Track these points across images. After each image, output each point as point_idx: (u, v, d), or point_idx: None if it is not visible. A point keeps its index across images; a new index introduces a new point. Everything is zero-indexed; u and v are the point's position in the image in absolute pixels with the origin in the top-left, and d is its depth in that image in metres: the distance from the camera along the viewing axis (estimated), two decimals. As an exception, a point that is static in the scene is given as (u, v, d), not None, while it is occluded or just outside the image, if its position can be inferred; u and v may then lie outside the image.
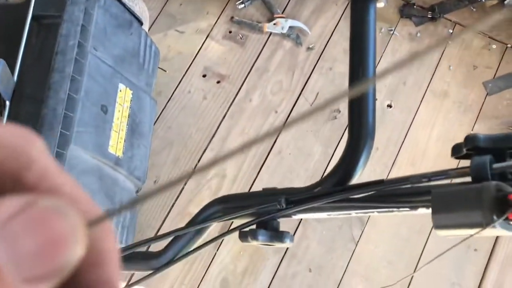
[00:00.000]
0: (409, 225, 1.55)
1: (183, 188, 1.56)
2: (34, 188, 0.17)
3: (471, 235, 0.41)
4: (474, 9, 1.77)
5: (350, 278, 1.50)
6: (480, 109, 1.68)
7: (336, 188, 0.55)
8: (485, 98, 1.70)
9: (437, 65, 1.73)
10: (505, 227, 0.40)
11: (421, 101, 1.69)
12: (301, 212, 0.58)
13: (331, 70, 1.70)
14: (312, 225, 1.54)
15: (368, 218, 1.55)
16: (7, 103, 1.04)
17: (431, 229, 1.51)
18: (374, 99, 0.57)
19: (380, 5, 0.64)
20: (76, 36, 1.04)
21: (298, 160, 1.60)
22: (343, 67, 1.69)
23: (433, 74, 1.71)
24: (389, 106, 1.68)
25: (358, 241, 1.54)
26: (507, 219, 0.39)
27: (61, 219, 0.16)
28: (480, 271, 1.53)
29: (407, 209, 0.50)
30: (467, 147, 0.46)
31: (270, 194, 0.61)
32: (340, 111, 1.65)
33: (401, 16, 1.76)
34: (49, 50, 1.07)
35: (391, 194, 0.51)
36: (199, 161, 1.59)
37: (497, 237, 1.56)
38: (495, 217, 0.39)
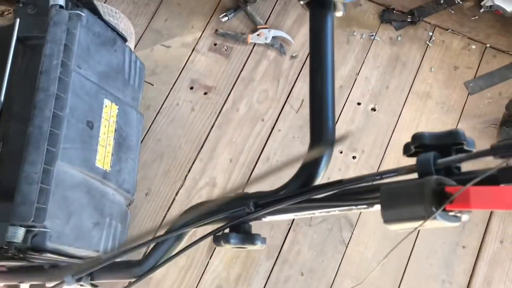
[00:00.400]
0: (398, 226, 1.58)
1: (174, 199, 1.59)
2: None
3: (416, 228, 0.44)
4: (453, 11, 1.81)
5: (342, 280, 1.53)
6: (463, 108, 1.72)
7: (299, 190, 0.58)
8: (467, 98, 1.73)
9: (419, 67, 1.76)
10: (445, 218, 0.43)
11: (404, 103, 1.72)
12: (269, 214, 0.60)
13: (315, 77, 1.73)
14: (303, 230, 1.57)
15: (357, 220, 1.58)
16: (-5, 123, 1.07)
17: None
18: (333, 106, 0.60)
19: (338, 14, 0.67)
20: (60, 55, 1.08)
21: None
22: (326, 73, 1.72)
23: (415, 77, 1.75)
24: (373, 109, 1.71)
25: (348, 243, 1.56)
26: (445, 210, 0.42)
27: None
28: (469, 268, 1.56)
29: (365, 206, 0.53)
30: (414, 145, 0.49)
31: (240, 198, 0.64)
32: (325, 117, 1.68)
33: (381, 21, 1.80)
34: (34, 70, 1.10)
35: (350, 193, 0.54)
36: (189, 171, 1.62)
37: (484, 234, 1.58)
38: (434, 209, 0.42)
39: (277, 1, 1.82)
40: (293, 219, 1.59)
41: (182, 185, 1.61)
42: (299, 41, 1.77)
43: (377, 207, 0.53)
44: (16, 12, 1.77)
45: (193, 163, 1.64)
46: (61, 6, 1.13)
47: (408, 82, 1.74)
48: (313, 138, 0.59)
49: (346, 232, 1.57)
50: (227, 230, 0.65)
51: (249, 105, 1.70)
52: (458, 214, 0.44)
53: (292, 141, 1.66)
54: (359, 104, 1.71)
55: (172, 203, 1.59)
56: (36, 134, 1.02)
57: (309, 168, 0.59)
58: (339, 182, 0.54)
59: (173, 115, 1.69)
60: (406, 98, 1.73)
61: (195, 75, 1.73)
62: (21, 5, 1.19)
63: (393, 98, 1.73)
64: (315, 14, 0.65)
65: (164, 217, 1.57)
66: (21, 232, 0.96)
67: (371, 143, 1.66)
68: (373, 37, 1.79)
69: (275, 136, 1.67)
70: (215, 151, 1.66)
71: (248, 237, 0.63)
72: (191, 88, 1.72)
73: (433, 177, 0.44)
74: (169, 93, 1.71)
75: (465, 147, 0.48)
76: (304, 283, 1.52)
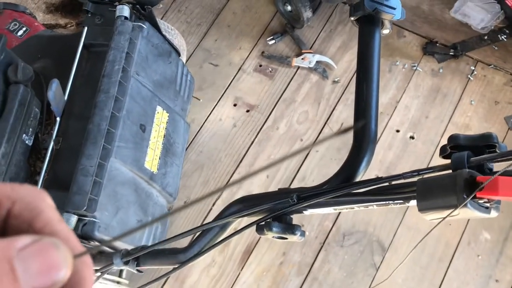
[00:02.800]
0: (430, 253, 1.58)
1: (211, 209, 1.65)
2: (40, 231, 0.25)
3: (448, 215, 0.48)
4: (496, 48, 1.83)
5: (370, 303, 1.53)
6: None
7: (340, 185, 0.63)
8: (506, 133, 1.74)
9: (459, 99, 1.79)
10: (476, 208, 0.47)
11: (443, 133, 1.74)
12: (310, 206, 0.65)
13: (355, 102, 1.78)
14: (334, 250, 1.59)
15: (390, 245, 1.59)
16: (58, 119, 1.17)
17: (452, 257, 1.54)
18: (377, 112, 0.66)
19: (385, 31, 0.73)
20: (121, 61, 1.17)
21: (322, 186, 1.67)
22: (367, 99, 1.77)
23: (455, 108, 1.78)
24: (412, 137, 1.74)
25: (379, 267, 1.57)
26: (476, 198, 0.46)
27: (56, 251, 0.24)
28: (502, 302, 1.54)
29: (401, 201, 0.57)
30: (450, 145, 0.53)
31: (284, 192, 0.69)
32: (363, 141, 1.72)
33: (424, 53, 1.85)
34: (96, 74, 1.20)
35: (387, 188, 0.58)
36: (227, 183, 1.68)
37: (518, 269, 1.56)
38: (465, 196, 0.46)
39: (323, 28, 1.90)
40: (325, 239, 1.61)
41: (219, 196, 1.67)
42: (342, 67, 1.83)
43: (413, 202, 0.57)
44: (78, 25, 1.91)
45: (232, 176, 1.70)
46: (125, 18, 1.23)
47: (448, 113, 1.77)
48: (355, 139, 0.64)
49: (378, 256, 1.59)
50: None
51: (289, 124, 1.76)
52: (488, 205, 0.48)
53: (329, 162, 1.70)
54: (398, 131, 1.75)
55: (209, 212, 1.65)
56: (94, 131, 1.10)
57: (351, 167, 0.64)
58: (378, 179, 0.59)
59: (216, 130, 1.77)
60: (445, 129, 1.75)
61: (239, 93, 1.81)
62: (89, 15, 1.30)
63: (432, 127, 1.75)
64: (364, 30, 0.71)
65: (201, 225, 1.62)
66: (74, 219, 1.03)
67: (408, 170, 1.68)
68: (415, 68, 1.83)
69: (313, 157, 1.72)
70: (253, 166, 1.71)
71: (289, 227, 0.67)
72: (235, 105, 1.80)
73: (465, 170, 0.48)
74: (213, 109, 1.80)
75: (497, 150, 0.52)
76: (332, 302, 1.54)
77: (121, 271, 1.39)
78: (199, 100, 1.79)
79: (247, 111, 1.78)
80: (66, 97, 1.19)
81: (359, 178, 0.64)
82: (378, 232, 1.62)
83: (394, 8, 0.71)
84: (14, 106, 1.08)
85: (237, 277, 1.57)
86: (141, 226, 0.31)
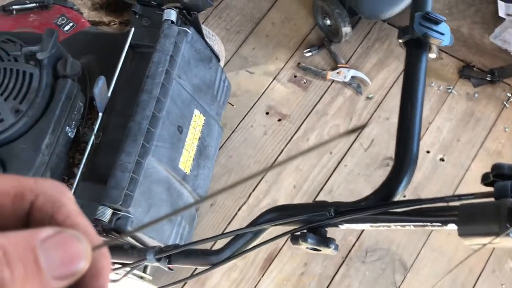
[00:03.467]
0: (453, 278, 1.57)
1: (236, 214, 1.67)
2: (62, 224, 0.27)
3: (489, 242, 0.49)
4: (535, 76, 1.82)
5: (388, 322, 1.53)
6: (534, 172, 1.70)
7: (379, 203, 0.65)
8: (539, 162, 1.72)
9: (493, 125, 1.77)
10: (518, 237, 0.48)
11: (474, 158, 1.73)
12: (347, 222, 0.67)
13: (387, 120, 1.79)
14: (356, 265, 1.60)
15: (412, 265, 1.59)
16: (100, 114, 1.21)
17: (475, 284, 1.52)
18: (419, 133, 0.67)
19: (432, 55, 0.74)
20: (165, 64, 1.21)
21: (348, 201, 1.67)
22: (399, 118, 1.78)
23: (487, 134, 1.76)
24: (442, 159, 1.73)
25: (399, 286, 1.57)
26: (518, 228, 0.47)
27: (78, 242, 0.25)
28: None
29: (439, 224, 0.58)
30: (493, 173, 0.54)
31: (321, 205, 0.71)
32: (393, 159, 1.72)
33: (460, 76, 1.84)
34: (140, 74, 1.24)
35: (427, 210, 0.60)
36: (253, 190, 1.71)
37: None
38: (508, 225, 0.47)
39: (360, 43, 1.91)
40: (347, 254, 1.62)
41: (245, 202, 1.69)
42: (377, 83, 1.84)
43: (451, 226, 0.58)
44: (121, 23, 1.97)
45: (259, 183, 1.72)
46: (172, 22, 1.27)
47: (480, 138, 1.76)
48: (397, 158, 0.65)
49: (399, 275, 1.58)
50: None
51: (319, 136, 1.77)
52: (530, 236, 0.48)
53: (357, 177, 1.71)
54: (428, 152, 1.74)
55: (234, 217, 1.67)
56: (135, 129, 1.14)
57: (390, 186, 0.65)
58: (418, 200, 0.60)
59: (247, 136, 1.79)
60: (476, 153, 1.74)
61: (272, 102, 1.84)
62: (137, 16, 1.34)
63: (463, 151, 1.75)
64: (411, 52, 0.73)
65: (225, 229, 1.65)
66: (109, 212, 1.07)
67: (435, 192, 1.68)
68: (450, 90, 1.83)
69: (341, 170, 1.73)
70: (280, 175, 1.73)
71: (324, 240, 0.69)
72: (267, 113, 1.82)
73: (509, 199, 0.49)
74: (246, 115, 1.82)
75: (542, 182, 0.53)
76: (350, 317, 1.54)
77: (145, 267, 1.43)
78: (233, 105, 1.82)
79: (279, 120, 1.81)
80: (109, 94, 1.23)
81: (397, 197, 0.65)
82: (401, 251, 1.61)
83: (443, 34, 0.72)
84: (61, 99, 1.12)
85: (257, 283, 1.59)
86: (165, 216, 0.33)
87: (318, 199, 1.69)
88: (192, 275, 0.85)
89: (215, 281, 1.59)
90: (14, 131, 1.09)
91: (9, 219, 0.26)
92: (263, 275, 1.59)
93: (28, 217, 0.27)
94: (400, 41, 0.74)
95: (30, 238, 0.24)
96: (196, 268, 1.49)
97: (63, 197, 0.27)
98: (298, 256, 1.61)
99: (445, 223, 0.58)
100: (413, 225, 0.61)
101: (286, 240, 1.63)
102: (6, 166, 1.09)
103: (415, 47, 0.73)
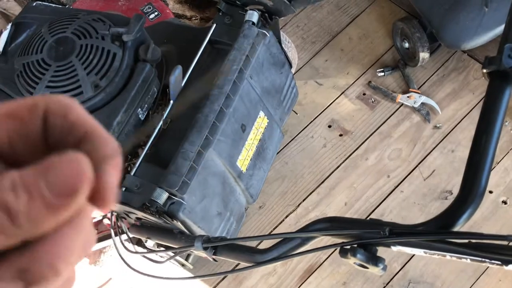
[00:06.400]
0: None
1: (283, 220, 1.68)
2: (74, 123, 0.27)
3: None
4: None
5: None
6: None
7: (437, 230, 0.63)
8: None
9: None
10: None
11: (540, 206, 1.64)
12: (401, 244, 0.66)
13: (452, 152, 1.73)
14: (396, 294, 1.55)
15: (455, 305, 1.53)
16: (171, 102, 1.26)
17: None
18: (491, 166, 0.65)
19: (516, 90, 0.72)
20: (240, 63, 1.24)
21: (398, 227, 1.64)
22: (466, 152, 1.71)
23: (559, 184, 1.67)
24: (504, 202, 1.66)
25: (438, 324, 1.51)
26: None
27: (76, 165, 0.25)
28: None
29: (499, 262, 0.56)
30: None
31: (376, 223, 0.70)
32: (452, 193, 1.66)
33: (538, 119, 1.75)
34: (214, 69, 1.27)
35: (487, 246, 0.58)
36: (304, 200, 1.70)
37: None
38: None
39: (436, 71, 1.86)
40: (389, 281, 1.58)
41: (294, 210, 1.69)
42: (447, 113, 1.79)
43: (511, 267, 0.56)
44: (202, 19, 2.03)
45: (310, 194, 1.72)
46: (253, 23, 1.30)
47: (550, 187, 1.67)
48: (463, 187, 0.64)
49: (440, 312, 1.53)
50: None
51: (379, 158, 1.75)
52: None
53: (411, 206, 1.67)
54: (491, 192, 1.67)
55: (280, 223, 1.68)
56: (201, 121, 1.17)
57: (452, 215, 0.64)
58: (479, 234, 0.59)
59: (305, 146, 1.80)
60: (543, 202, 1.65)
61: (337, 116, 1.83)
62: (220, 13, 1.38)
63: (529, 197, 1.66)
64: (494, 84, 0.70)
65: (270, 233, 1.66)
66: (164, 195, 1.11)
67: (494, 233, 1.61)
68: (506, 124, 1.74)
69: (396, 196, 1.69)
70: (333, 190, 1.72)
71: (374, 258, 0.68)
72: (329, 126, 1.81)
73: None
74: (308, 125, 1.83)
75: None
76: None
77: (188, 255, 1.46)
78: (297, 114, 1.83)
79: (340, 135, 1.79)
80: (183, 84, 1.27)
81: (457, 228, 0.64)
82: (446, 288, 1.56)
83: (531, 70, 0.70)
84: (138, 81, 1.17)
85: (294, 293, 1.58)
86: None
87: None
88: (234, 270, 0.86)
89: (253, 282, 1.60)
90: (91, 104, 1.15)
91: (28, 126, 0.27)
92: (300, 286, 1.58)
93: (44, 123, 0.28)
94: (484, 71, 0.72)
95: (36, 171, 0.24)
96: (237, 265, 1.51)
97: (73, 103, 0.28)
98: (339, 274, 1.59)
99: (506, 262, 0.56)
100: (470, 259, 0.59)
101: (329, 256, 1.61)
102: (78, 136, 1.15)
103: (500, 79, 0.71)
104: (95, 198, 0.26)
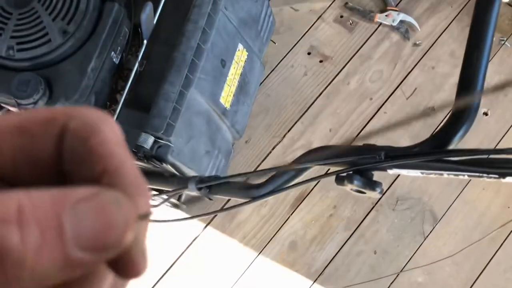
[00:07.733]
0: (483, 231, 1.57)
1: (270, 152, 1.68)
2: (93, 149, 0.21)
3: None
4: None
5: (412, 269, 1.55)
6: None
7: (433, 150, 0.63)
8: None
9: (545, 82, 1.70)
10: None
11: (520, 115, 1.67)
12: (397, 167, 0.66)
13: (433, 69, 1.73)
14: (386, 212, 1.61)
15: (442, 216, 1.59)
16: (145, 42, 1.20)
17: (505, 240, 1.52)
18: (484, 81, 0.64)
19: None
20: (213, -7, 1.17)
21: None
22: (447, 68, 1.72)
23: (538, 91, 1.69)
24: (485, 114, 1.68)
25: (427, 236, 1.58)
26: None
27: (117, 210, 0.19)
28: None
29: (496, 175, 0.57)
30: None
31: (370, 149, 0.70)
32: (434, 109, 1.68)
33: (517, 27, 1.74)
34: (187, 3, 1.21)
35: (484, 161, 0.58)
36: (289, 131, 1.70)
37: None
38: None
39: (413, -14, 1.81)
40: (378, 200, 1.62)
41: (279, 142, 1.70)
42: (426, 30, 1.76)
43: (509, 178, 0.56)
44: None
45: (295, 124, 1.71)
46: (222, -50, 1.22)
47: (529, 95, 1.69)
48: (457, 106, 0.63)
49: (428, 225, 1.59)
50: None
51: (361, 81, 1.73)
52: None
53: (395, 126, 1.68)
54: (472, 105, 1.69)
55: (267, 155, 1.68)
56: (179, 60, 1.13)
57: (447, 133, 0.63)
58: (477, 150, 0.59)
59: (286, 76, 1.77)
60: (523, 110, 1.68)
61: (315, 42, 1.79)
62: None
63: (508, 108, 1.69)
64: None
65: (258, 166, 1.67)
66: (150, 140, 1.08)
67: (475, 146, 1.64)
68: (503, 42, 1.74)
69: (380, 117, 1.70)
70: (317, 118, 1.72)
71: (371, 183, 0.69)
72: (309, 53, 1.78)
73: None
74: (287, 54, 1.79)
75: None
76: (375, 261, 1.57)
77: (180, 195, 1.46)
78: (275, 43, 1.78)
79: (320, 61, 1.76)
80: (155, 21, 1.21)
81: (452, 146, 0.64)
82: (432, 202, 1.61)
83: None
84: (108, 23, 1.11)
85: (286, 221, 1.62)
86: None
87: (354, 144, 1.68)
88: (233, 206, 0.86)
89: (245, 215, 1.63)
90: (61, 52, 1.09)
91: (39, 144, 0.22)
92: (292, 213, 1.62)
93: (59, 142, 0.22)
94: (472, -19, 0.69)
95: (59, 199, 0.18)
96: (228, 200, 1.53)
97: (103, 123, 0.22)
98: (328, 198, 1.63)
99: (503, 175, 0.56)
100: (467, 175, 0.60)
101: (317, 182, 1.64)
102: (52, 87, 1.10)
103: (488, -11, 0.68)
104: (121, 264, 0.20)
